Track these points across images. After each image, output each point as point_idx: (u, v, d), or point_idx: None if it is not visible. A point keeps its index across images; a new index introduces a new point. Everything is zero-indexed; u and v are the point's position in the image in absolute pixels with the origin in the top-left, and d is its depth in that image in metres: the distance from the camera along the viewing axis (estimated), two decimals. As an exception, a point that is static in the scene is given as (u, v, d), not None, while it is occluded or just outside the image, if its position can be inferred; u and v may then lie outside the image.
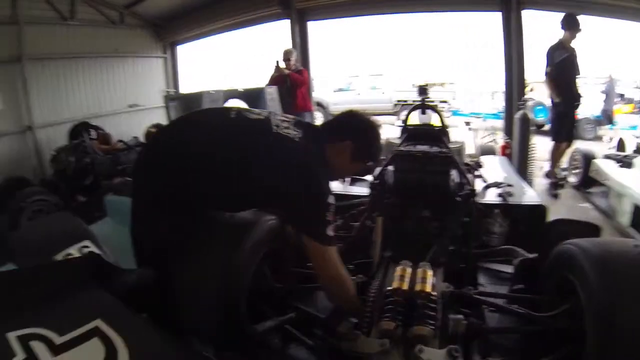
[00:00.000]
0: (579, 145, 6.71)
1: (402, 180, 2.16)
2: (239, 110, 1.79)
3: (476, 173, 3.57)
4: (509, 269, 2.15)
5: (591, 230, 1.97)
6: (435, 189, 2.10)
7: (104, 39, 8.28)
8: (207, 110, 2.28)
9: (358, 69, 16.78)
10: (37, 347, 1.06)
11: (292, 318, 1.72)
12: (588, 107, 11.99)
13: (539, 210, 2.65)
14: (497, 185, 3.23)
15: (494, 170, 3.95)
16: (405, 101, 12.70)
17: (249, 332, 1.54)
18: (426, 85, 2.69)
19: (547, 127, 11.78)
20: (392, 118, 11.90)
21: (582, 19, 5.43)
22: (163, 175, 1.62)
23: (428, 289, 1.50)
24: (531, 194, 3.18)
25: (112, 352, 1.07)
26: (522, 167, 5.70)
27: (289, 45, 7.09)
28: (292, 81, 5.80)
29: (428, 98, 2.71)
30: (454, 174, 2.21)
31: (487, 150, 5.52)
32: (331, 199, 1.61)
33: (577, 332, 1.37)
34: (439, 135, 2.67)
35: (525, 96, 6.18)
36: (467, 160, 3.36)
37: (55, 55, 7.44)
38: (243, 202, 1.72)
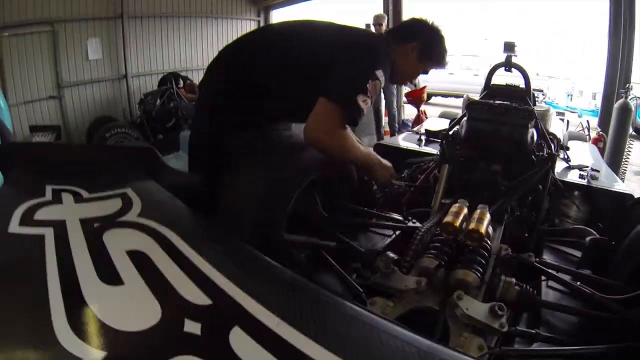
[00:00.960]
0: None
1: (475, 129, 1.95)
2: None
3: (563, 155, 3.28)
4: (579, 253, 1.89)
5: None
6: (510, 143, 1.89)
7: (199, 1, 8.77)
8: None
9: (454, 48, 16.13)
10: (65, 197, 1.16)
11: (331, 247, 1.60)
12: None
13: (626, 199, 2.23)
14: (580, 168, 2.94)
15: (581, 155, 3.60)
16: (499, 85, 11.94)
17: (275, 237, 1.44)
18: (513, 42, 2.45)
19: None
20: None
21: None
22: (234, 73, 1.69)
23: (482, 230, 1.28)
24: (619, 182, 2.84)
25: (128, 205, 1.13)
26: (615, 161, 5.15)
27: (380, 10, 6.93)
28: None
29: (515, 55, 2.48)
30: (534, 132, 2.01)
31: (577, 137, 5.02)
32: (380, 75, 1.52)
33: None
34: (523, 95, 2.43)
35: (632, 89, 5.45)
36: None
37: (152, 14, 8.08)
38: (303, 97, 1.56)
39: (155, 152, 1.60)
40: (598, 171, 2.87)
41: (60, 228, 0.95)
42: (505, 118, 1.92)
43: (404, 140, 3.08)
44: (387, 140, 3.19)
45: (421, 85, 6.12)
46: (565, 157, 3.07)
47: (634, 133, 11.10)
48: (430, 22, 1.83)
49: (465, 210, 1.39)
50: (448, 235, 1.34)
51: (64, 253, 0.84)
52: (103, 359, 0.58)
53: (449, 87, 12.79)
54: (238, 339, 0.61)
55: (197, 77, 8.24)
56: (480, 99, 2.46)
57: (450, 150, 1.99)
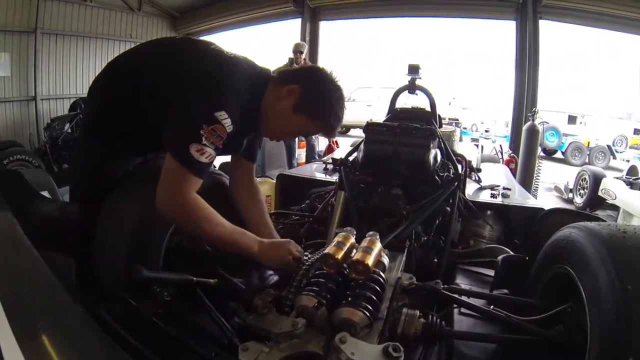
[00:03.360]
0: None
1: (373, 152, 1.88)
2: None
3: (474, 177, 3.36)
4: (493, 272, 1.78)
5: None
6: (411, 165, 1.82)
7: (120, 24, 8.45)
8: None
9: (369, 80, 16.13)
10: None
11: (209, 284, 1.39)
12: (601, 137, 11.97)
13: (538, 213, 2.21)
14: (492, 187, 2.99)
15: (494, 175, 3.71)
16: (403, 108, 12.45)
17: (133, 273, 1.21)
18: (417, 65, 2.46)
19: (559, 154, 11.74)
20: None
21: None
22: (113, 95, 1.46)
23: (368, 261, 1.11)
24: (531, 198, 2.92)
25: None
26: (527, 179, 5.49)
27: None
28: None
29: (419, 78, 2.49)
30: (437, 153, 1.97)
31: (490, 159, 5.27)
32: (224, 117, 1.24)
33: (573, 344, 1.09)
34: (429, 116, 2.43)
35: (538, 112, 5.92)
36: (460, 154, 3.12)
37: (69, 32, 7.60)
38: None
39: (23, 178, 1.43)
40: (510, 189, 2.94)
41: None
42: (405, 139, 1.85)
43: (311, 170, 2.99)
44: (291, 170, 3.08)
45: None
46: (477, 178, 3.13)
47: (542, 154, 12.25)
48: (328, 74, 1.47)
49: (352, 240, 1.23)
50: (329, 268, 1.15)
51: None
52: None
53: (367, 119, 13.04)
54: None
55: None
56: (384, 122, 2.40)
57: (347, 176, 1.88)
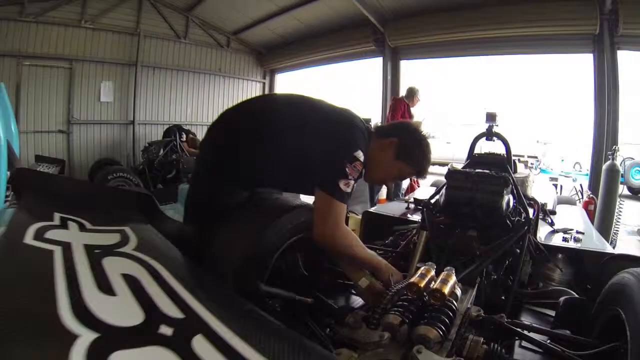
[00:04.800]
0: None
1: (452, 197, 2.10)
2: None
3: (548, 220, 3.38)
4: (555, 313, 1.92)
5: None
6: (485, 209, 2.02)
7: (210, 59, 9.39)
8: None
9: (452, 117, 16.19)
10: (71, 225, 1.32)
11: (307, 302, 1.67)
12: None
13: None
14: (565, 231, 3.02)
15: (569, 218, 3.69)
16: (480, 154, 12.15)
17: (251, 286, 1.51)
18: (494, 113, 2.63)
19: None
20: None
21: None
22: (225, 150, 1.78)
23: (445, 290, 1.34)
24: (604, 243, 2.90)
25: (125, 239, 1.28)
26: (606, 222, 5.23)
27: (380, 81, 7.56)
28: None
29: (496, 125, 2.66)
30: (510, 198, 2.13)
31: (566, 201, 5.13)
32: (360, 155, 1.56)
33: None
34: (503, 162, 2.58)
35: (619, 150, 5.61)
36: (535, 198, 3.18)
37: (165, 65, 8.65)
38: (283, 172, 1.71)
39: (153, 200, 1.74)
40: (583, 233, 2.96)
41: (66, 248, 1.12)
42: (481, 185, 2.05)
43: (394, 208, 3.19)
44: (375, 208, 3.29)
45: None
46: (550, 221, 3.17)
47: (628, 192, 11.34)
48: (418, 127, 1.83)
49: (432, 272, 1.46)
50: (413, 294, 1.39)
51: (69, 267, 1.01)
52: (95, 339, 0.74)
53: (446, 156, 13.06)
54: (199, 343, 0.79)
55: (200, 132, 8.61)
56: (463, 167, 2.59)
57: (429, 217, 2.10)
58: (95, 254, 1.12)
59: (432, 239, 2.00)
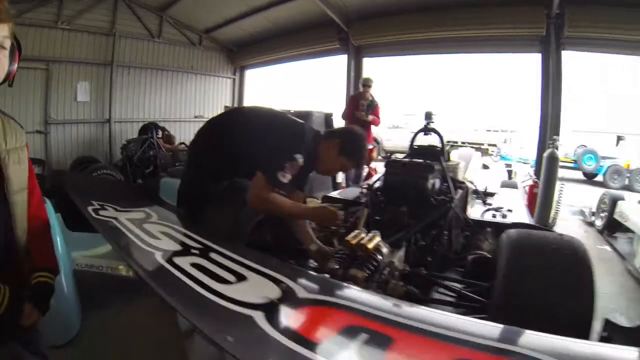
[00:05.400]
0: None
1: (389, 181, 2.64)
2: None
3: (487, 200, 3.94)
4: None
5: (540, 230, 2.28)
6: (413, 190, 2.55)
7: (183, 57, 9.71)
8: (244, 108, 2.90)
9: (415, 108, 16.97)
10: (108, 208, 2.04)
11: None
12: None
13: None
14: (497, 209, 3.58)
15: (506, 199, 4.26)
16: (456, 142, 12.78)
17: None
18: (431, 112, 3.15)
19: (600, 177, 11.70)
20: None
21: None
22: (211, 150, 2.29)
23: (369, 245, 1.87)
24: (527, 218, 3.46)
25: (149, 215, 1.97)
26: (547, 203, 5.84)
27: (344, 77, 7.95)
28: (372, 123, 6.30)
29: (432, 122, 3.17)
30: (435, 182, 2.65)
31: (509, 185, 5.75)
32: (299, 158, 2.04)
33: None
34: (437, 153, 3.10)
35: (558, 140, 6.22)
36: (471, 183, 3.72)
37: (140, 64, 8.93)
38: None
39: (154, 190, 2.35)
40: (511, 211, 3.52)
41: (118, 220, 1.92)
42: (410, 172, 2.57)
43: (349, 193, 3.73)
44: (334, 193, 3.80)
45: (370, 147, 6.76)
46: (484, 200, 3.74)
47: (583, 178, 12.20)
48: (358, 131, 2.36)
49: (363, 235, 2.00)
50: (346, 248, 1.94)
51: (129, 230, 1.82)
52: (163, 254, 1.60)
53: (408, 144, 13.71)
54: (215, 255, 1.59)
55: (174, 128, 8.99)
56: (405, 157, 3.11)
57: (371, 198, 2.61)
58: (136, 223, 1.90)
59: (372, 214, 2.49)
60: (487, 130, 14.98)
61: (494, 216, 3.36)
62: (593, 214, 6.39)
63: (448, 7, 6.74)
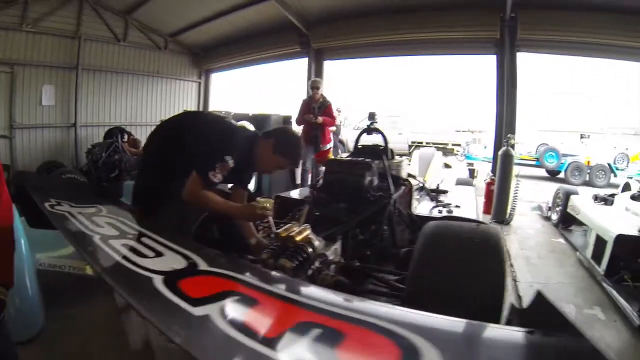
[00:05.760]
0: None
1: (329, 179, 2.77)
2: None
3: (440, 198, 4.10)
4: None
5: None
6: (351, 188, 2.67)
7: (149, 61, 9.66)
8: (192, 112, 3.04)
9: (379, 109, 17.34)
10: (64, 204, 2.36)
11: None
12: (601, 155, 12.26)
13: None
14: (445, 205, 3.74)
15: (459, 196, 4.43)
16: (420, 142, 13.05)
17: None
18: (374, 112, 3.29)
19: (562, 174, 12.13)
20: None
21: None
22: (163, 152, 2.47)
23: (297, 238, 2.02)
24: (473, 214, 3.61)
25: (99, 210, 2.31)
26: (502, 199, 6.09)
27: (306, 80, 7.91)
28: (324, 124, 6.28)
29: (376, 122, 3.32)
30: (372, 179, 2.78)
31: (464, 182, 5.93)
32: (229, 160, 2.20)
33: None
34: (380, 152, 3.23)
35: (513, 139, 6.44)
36: (416, 178, 3.88)
37: (105, 68, 8.86)
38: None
39: (112, 190, 2.38)
40: (459, 207, 3.68)
41: (71, 213, 2.13)
42: (349, 170, 2.69)
43: (301, 192, 3.83)
44: (285, 192, 3.90)
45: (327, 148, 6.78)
46: (433, 196, 3.90)
47: (547, 175, 12.61)
48: (292, 131, 2.59)
49: (295, 228, 2.12)
50: (279, 241, 2.07)
51: (78, 220, 2.05)
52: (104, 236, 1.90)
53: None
54: (146, 239, 1.86)
55: (139, 132, 8.94)
56: (349, 156, 3.23)
57: (313, 195, 2.73)
58: (88, 216, 2.12)
59: (313, 210, 2.61)
60: (457, 131, 15.37)
61: (440, 212, 3.50)
62: (549, 208, 6.52)
63: (406, 10, 6.94)
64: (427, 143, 12.29)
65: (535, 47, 6.87)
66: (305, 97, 6.46)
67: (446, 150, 13.43)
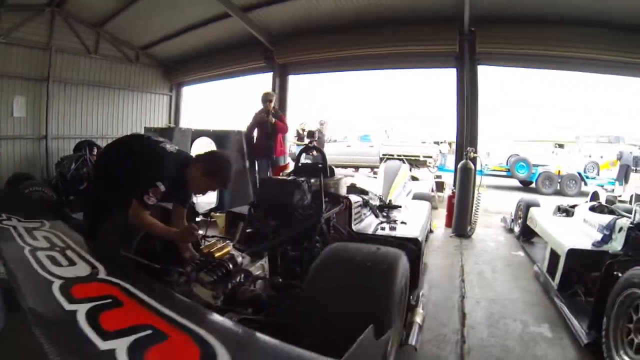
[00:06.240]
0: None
1: (262, 197, 2.88)
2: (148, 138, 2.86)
3: (392, 213, 4.19)
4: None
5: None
6: (280, 206, 2.78)
7: (120, 73, 9.68)
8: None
9: (352, 123, 17.65)
10: (12, 219, 2.46)
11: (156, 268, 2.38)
12: (572, 164, 12.57)
13: (412, 242, 3.11)
14: (390, 222, 3.83)
15: (410, 212, 4.53)
16: (392, 155, 13.16)
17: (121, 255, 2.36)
18: (314, 131, 3.41)
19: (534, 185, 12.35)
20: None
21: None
22: (110, 171, 2.80)
23: (217, 254, 2.18)
24: (415, 231, 3.56)
25: (44, 225, 2.42)
26: (463, 210, 6.20)
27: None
28: (276, 128, 6.25)
29: (315, 140, 3.43)
30: (301, 197, 2.87)
31: (422, 197, 5.99)
32: (161, 186, 2.43)
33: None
34: (319, 170, 3.31)
35: (473, 151, 6.57)
36: (370, 196, 3.98)
37: (76, 81, 8.86)
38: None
39: (63, 206, 2.56)
40: (405, 223, 3.76)
41: (15, 227, 2.26)
42: (279, 189, 2.80)
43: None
44: (235, 208, 3.95)
45: (285, 163, 6.86)
46: (384, 213, 3.98)
47: (520, 185, 12.85)
48: (221, 154, 2.76)
49: (217, 245, 2.26)
50: (203, 256, 2.21)
51: (18, 234, 2.16)
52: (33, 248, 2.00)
53: (346, 158, 14.59)
54: (72, 253, 1.96)
55: (109, 145, 8.88)
56: (289, 174, 3.34)
57: (249, 212, 2.86)
58: (30, 231, 2.23)
59: (246, 227, 2.74)
60: (435, 142, 15.59)
61: (382, 229, 3.58)
62: (512, 220, 6.55)
63: (368, 26, 7.10)
64: (397, 155, 12.41)
65: (495, 60, 7.06)
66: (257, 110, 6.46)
67: (418, 163, 13.64)
